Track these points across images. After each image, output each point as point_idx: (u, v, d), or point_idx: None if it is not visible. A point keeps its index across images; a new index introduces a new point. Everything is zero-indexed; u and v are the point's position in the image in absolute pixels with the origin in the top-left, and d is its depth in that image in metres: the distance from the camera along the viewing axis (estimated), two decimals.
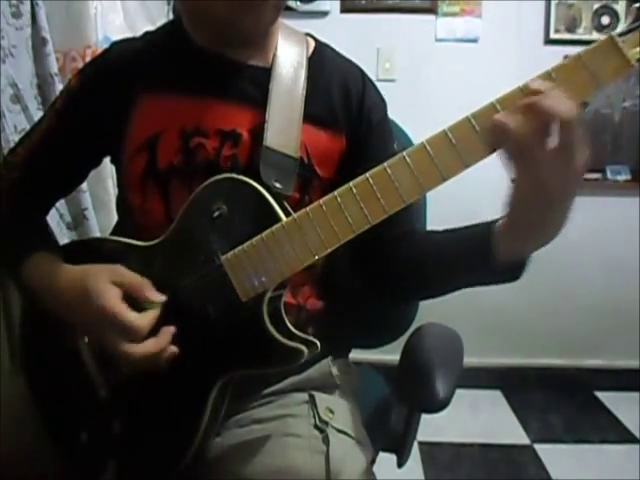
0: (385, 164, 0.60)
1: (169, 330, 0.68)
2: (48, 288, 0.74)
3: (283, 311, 0.71)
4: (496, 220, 0.63)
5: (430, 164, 0.58)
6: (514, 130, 0.51)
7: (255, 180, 0.69)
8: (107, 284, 0.68)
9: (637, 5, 0.51)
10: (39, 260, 0.76)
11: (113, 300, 0.66)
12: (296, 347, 0.67)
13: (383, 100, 0.87)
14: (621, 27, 0.51)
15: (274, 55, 0.79)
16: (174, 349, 0.68)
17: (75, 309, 0.70)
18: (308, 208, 0.64)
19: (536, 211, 0.56)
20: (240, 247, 0.67)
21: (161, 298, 0.69)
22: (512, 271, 0.64)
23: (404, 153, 0.59)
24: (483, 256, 0.63)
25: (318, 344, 0.69)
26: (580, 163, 0.52)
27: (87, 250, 0.81)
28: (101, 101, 0.79)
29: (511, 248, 0.61)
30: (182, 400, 0.72)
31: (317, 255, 0.64)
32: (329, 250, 0.63)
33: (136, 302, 0.68)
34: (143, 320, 0.66)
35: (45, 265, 0.75)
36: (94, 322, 0.68)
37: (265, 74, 0.77)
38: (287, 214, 0.67)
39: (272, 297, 0.68)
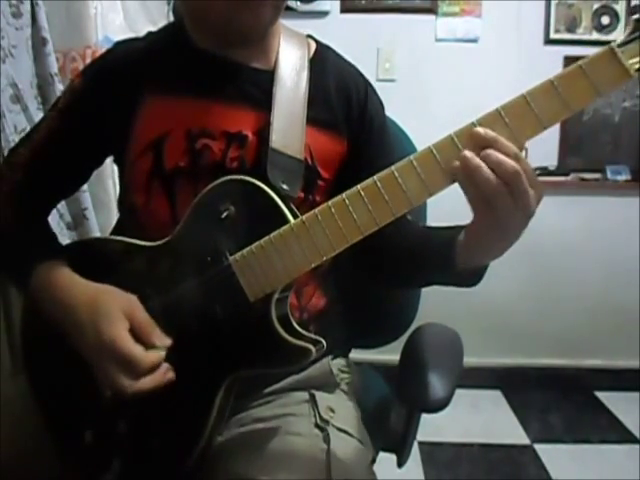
0: (393, 168, 0.60)
1: (167, 367, 0.68)
2: (58, 303, 0.73)
3: (289, 312, 0.71)
4: (462, 228, 0.66)
5: (437, 168, 0.58)
6: (479, 182, 0.55)
7: (263, 182, 0.69)
8: (119, 312, 0.68)
9: (636, 17, 0.52)
10: (47, 271, 0.75)
11: (121, 330, 0.66)
12: (304, 346, 0.68)
13: (382, 104, 0.88)
14: (621, 37, 0.53)
15: (276, 58, 0.79)
16: (171, 376, 0.68)
17: (82, 328, 0.70)
18: (317, 210, 0.64)
19: (491, 237, 0.61)
20: (248, 248, 0.67)
21: (167, 342, 0.69)
22: (469, 277, 0.69)
23: (411, 157, 0.60)
24: (445, 259, 0.67)
25: (324, 343, 0.69)
26: (533, 200, 0.56)
27: (90, 250, 0.81)
28: (105, 101, 0.79)
29: (468, 258, 0.66)
30: (189, 400, 0.72)
31: (325, 256, 0.64)
32: (337, 251, 0.64)
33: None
34: (147, 358, 0.66)
35: (54, 278, 0.75)
36: (98, 346, 0.67)
37: (267, 76, 0.78)
38: (294, 216, 0.67)
39: (279, 298, 0.68)
